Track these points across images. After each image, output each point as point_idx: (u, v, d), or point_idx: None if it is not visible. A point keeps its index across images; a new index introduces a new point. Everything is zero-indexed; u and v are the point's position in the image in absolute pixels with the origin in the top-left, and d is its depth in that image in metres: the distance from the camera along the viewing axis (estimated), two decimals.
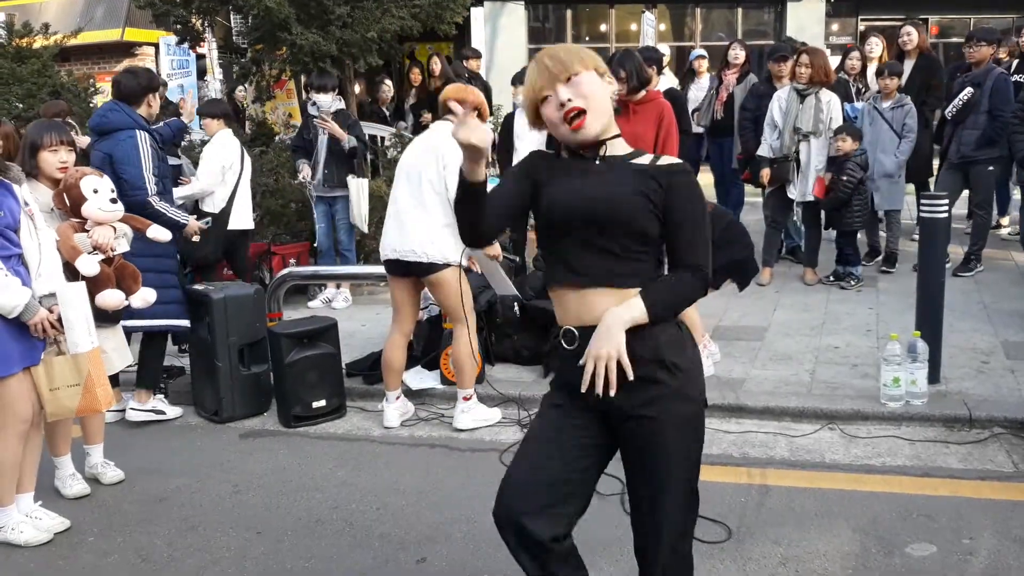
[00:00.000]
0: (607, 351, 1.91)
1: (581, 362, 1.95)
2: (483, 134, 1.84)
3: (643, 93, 5.01)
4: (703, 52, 8.73)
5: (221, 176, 5.66)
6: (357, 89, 9.66)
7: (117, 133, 4.38)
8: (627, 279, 1.98)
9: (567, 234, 2.01)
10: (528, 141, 6.27)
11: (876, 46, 7.13)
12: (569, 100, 1.94)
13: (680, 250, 2.00)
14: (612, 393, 1.92)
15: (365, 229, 6.67)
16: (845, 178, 6.02)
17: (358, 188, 6.55)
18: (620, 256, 1.98)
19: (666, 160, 2.04)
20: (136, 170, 4.31)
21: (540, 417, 2.15)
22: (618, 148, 2.06)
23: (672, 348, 2.00)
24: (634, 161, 2.04)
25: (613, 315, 1.94)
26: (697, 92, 8.17)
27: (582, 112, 1.95)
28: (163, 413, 4.56)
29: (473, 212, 1.99)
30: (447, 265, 4.04)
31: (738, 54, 7.54)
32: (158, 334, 4.52)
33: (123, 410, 4.57)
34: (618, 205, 1.96)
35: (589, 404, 2.01)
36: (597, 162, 2.04)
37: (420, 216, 4.05)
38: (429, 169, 4.06)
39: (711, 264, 2.00)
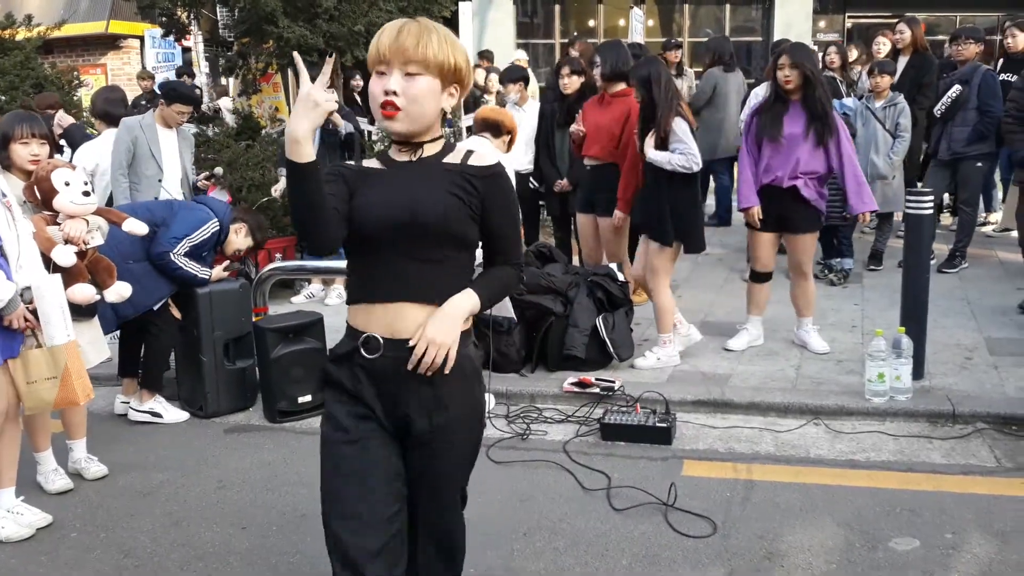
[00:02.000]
0: (443, 340, 1.88)
1: (413, 342, 1.88)
2: (322, 93, 1.76)
3: (621, 86, 5.02)
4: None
5: None
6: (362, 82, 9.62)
7: (202, 206, 4.45)
8: (449, 291, 1.93)
9: (380, 246, 1.91)
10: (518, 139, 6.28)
11: (884, 45, 7.13)
12: (393, 94, 1.87)
13: (501, 251, 2.03)
14: (427, 375, 1.89)
15: None
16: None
17: None
18: (440, 263, 1.92)
19: (478, 160, 1.98)
20: (182, 232, 4.27)
21: (331, 456, 2.00)
22: (435, 147, 1.99)
23: (475, 374, 2.02)
24: (446, 160, 1.97)
25: (455, 305, 1.91)
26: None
27: (397, 108, 1.88)
28: (159, 416, 4.47)
29: (314, 210, 1.82)
30: None
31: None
32: (162, 335, 4.41)
33: (127, 402, 4.54)
34: (431, 210, 1.89)
35: (380, 421, 1.96)
36: (412, 160, 1.96)
37: None
38: None
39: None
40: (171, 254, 4.23)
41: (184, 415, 4.51)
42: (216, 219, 4.41)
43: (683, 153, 4.43)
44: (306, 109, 1.77)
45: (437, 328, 1.89)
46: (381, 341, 1.92)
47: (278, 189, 6.52)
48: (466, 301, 1.93)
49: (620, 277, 4.90)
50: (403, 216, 1.90)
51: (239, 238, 4.62)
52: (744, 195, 4.73)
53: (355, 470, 1.97)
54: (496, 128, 4.48)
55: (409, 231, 1.90)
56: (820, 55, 7.92)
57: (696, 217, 4.71)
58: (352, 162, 2.10)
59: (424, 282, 1.92)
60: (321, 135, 6.35)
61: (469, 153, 1.99)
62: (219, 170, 6.70)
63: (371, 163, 2.02)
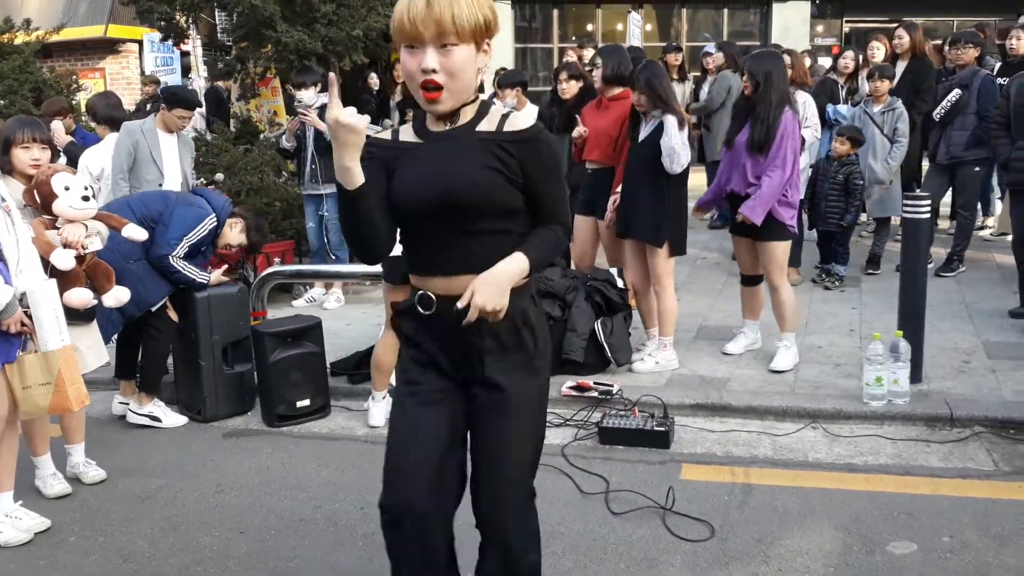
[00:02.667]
0: (494, 306, 1.84)
1: (461, 304, 1.84)
2: (353, 115, 1.72)
3: (619, 89, 5.03)
4: (712, 48, 8.79)
5: None
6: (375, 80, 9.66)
7: (200, 199, 4.45)
8: (500, 258, 1.89)
9: (423, 223, 1.92)
10: None
11: (879, 50, 7.16)
12: (433, 71, 1.79)
13: (547, 213, 1.98)
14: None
15: None
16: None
17: None
18: (488, 234, 1.90)
19: (512, 124, 1.92)
20: (180, 232, 4.28)
21: (397, 408, 2.11)
22: (470, 111, 1.94)
23: (534, 315, 2.01)
24: (480, 128, 1.92)
25: (501, 270, 1.86)
26: (707, 89, 8.26)
27: (440, 88, 1.82)
28: (158, 420, 4.46)
29: (364, 227, 1.88)
30: None
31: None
32: (160, 337, 4.41)
33: (126, 403, 4.54)
34: (467, 188, 1.87)
35: (446, 373, 2.01)
36: (447, 130, 1.93)
37: None
38: None
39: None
40: (170, 257, 4.23)
41: (183, 420, 4.51)
42: (213, 214, 4.41)
43: (686, 151, 4.45)
44: (344, 136, 1.75)
45: (485, 295, 1.84)
46: (434, 297, 1.94)
47: None
48: (514, 265, 1.88)
49: (619, 283, 4.91)
50: (440, 196, 1.88)
51: (233, 232, 4.61)
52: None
53: (408, 427, 2.04)
54: None
55: (449, 210, 1.89)
56: (829, 60, 7.99)
57: (684, 220, 4.71)
58: (386, 133, 2.03)
59: (473, 254, 1.90)
60: (316, 140, 6.35)
61: (504, 118, 1.93)
62: (220, 176, 6.69)
63: (407, 133, 1.99)
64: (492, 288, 1.85)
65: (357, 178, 1.82)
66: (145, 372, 4.47)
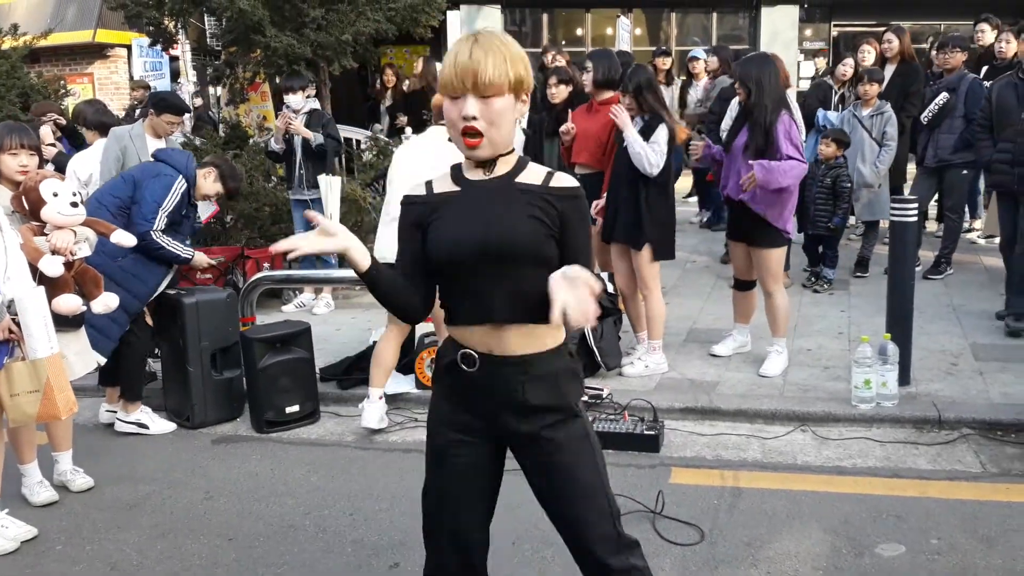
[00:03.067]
0: (587, 317, 1.76)
1: (555, 321, 1.75)
2: (590, 306, 1.73)
3: (609, 94, 5.05)
4: (698, 53, 8.81)
5: None
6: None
7: (162, 166, 4.38)
8: (536, 305, 1.88)
9: (461, 272, 1.94)
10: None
11: (869, 53, 7.20)
12: (474, 118, 1.86)
13: (574, 263, 1.94)
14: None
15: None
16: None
17: (328, 185, 6.53)
18: (524, 280, 1.91)
19: (558, 181, 1.96)
20: (154, 205, 4.26)
21: (440, 465, 2.11)
22: (508, 163, 1.98)
23: (569, 382, 2.02)
24: (521, 180, 1.95)
25: (578, 270, 1.80)
26: (696, 94, 8.26)
27: (480, 134, 1.88)
28: (146, 427, 4.45)
29: (392, 299, 2.02)
30: None
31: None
32: (136, 343, 4.38)
33: (113, 411, 4.53)
34: (509, 235, 1.90)
35: (483, 430, 2.02)
36: (486, 178, 1.96)
37: None
38: (425, 172, 3.98)
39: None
40: (152, 233, 4.23)
41: (171, 426, 4.50)
42: (179, 176, 4.37)
43: (655, 152, 4.45)
44: (329, 244, 1.91)
45: (584, 311, 1.75)
46: (477, 357, 1.97)
47: None
48: (583, 270, 1.81)
49: (609, 288, 4.91)
50: (483, 242, 1.91)
51: (207, 183, 4.58)
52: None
53: (453, 478, 2.09)
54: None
55: (491, 256, 1.91)
56: (811, 64, 8.02)
57: (669, 224, 4.72)
58: (421, 188, 2.03)
59: (510, 303, 1.93)
60: (303, 145, 6.33)
61: (550, 175, 1.97)
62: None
63: (443, 181, 2.00)
64: (585, 304, 1.76)
65: (362, 263, 1.93)
66: (125, 379, 4.43)
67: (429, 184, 2.03)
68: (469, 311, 1.97)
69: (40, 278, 3.38)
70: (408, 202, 2.02)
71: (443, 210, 1.96)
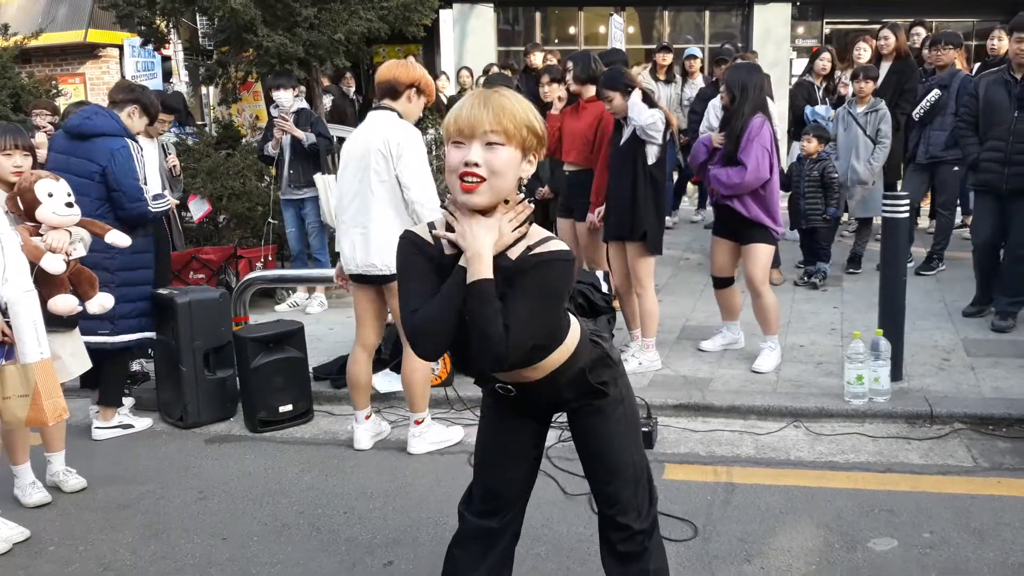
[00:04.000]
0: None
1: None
2: (490, 232, 1.86)
3: (592, 91, 5.07)
4: (695, 51, 8.79)
5: None
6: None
7: (105, 140, 4.23)
8: (541, 350, 2.02)
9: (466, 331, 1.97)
10: None
11: (865, 51, 7.22)
12: (476, 165, 1.83)
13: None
14: None
15: (336, 225, 6.66)
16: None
17: (325, 185, 6.52)
18: None
19: (540, 247, 1.90)
20: (134, 182, 4.25)
21: (487, 428, 2.30)
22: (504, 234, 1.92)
23: (597, 369, 2.15)
24: (502, 256, 1.91)
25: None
26: (691, 92, 8.25)
27: (481, 180, 1.84)
28: (131, 427, 4.46)
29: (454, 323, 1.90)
30: None
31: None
32: (121, 351, 4.38)
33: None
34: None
35: (531, 417, 2.23)
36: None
37: (373, 219, 3.78)
38: (375, 159, 3.75)
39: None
40: (148, 208, 4.31)
41: (148, 421, 4.54)
42: (122, 136, 4.32)
43: (647, 121, 4.46)
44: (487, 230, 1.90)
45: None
46: (511, 387, 2.12)
47: None
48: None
49: (603, 288, 4.91)
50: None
51: (135, 121, 4.57)
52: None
53: (495, 441, 2.27)
54: (392, 91, 3.83)
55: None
56: (806, 61, 8.03)
57: (659, 221, 4.74)
58: (426, 236, 1.99)
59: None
60: (293, 144, 6.31)
61: (538, 243, 1.91)
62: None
63: (447, 243, 1.95)
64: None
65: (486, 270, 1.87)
66: (108, 387, 4.38)
67: (437, 240, 1.97)
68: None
69: (36, 278, 3.37)
70: (415, 241, 1.97)
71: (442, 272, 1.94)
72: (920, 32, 7.17)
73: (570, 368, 2.09)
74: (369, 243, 3.82)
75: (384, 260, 3.78)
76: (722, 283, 4.94)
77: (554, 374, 2.08)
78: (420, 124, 9.03)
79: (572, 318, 2.12)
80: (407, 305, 1.93)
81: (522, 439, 2.26)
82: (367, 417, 4.14)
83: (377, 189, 3.77)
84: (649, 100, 4.55)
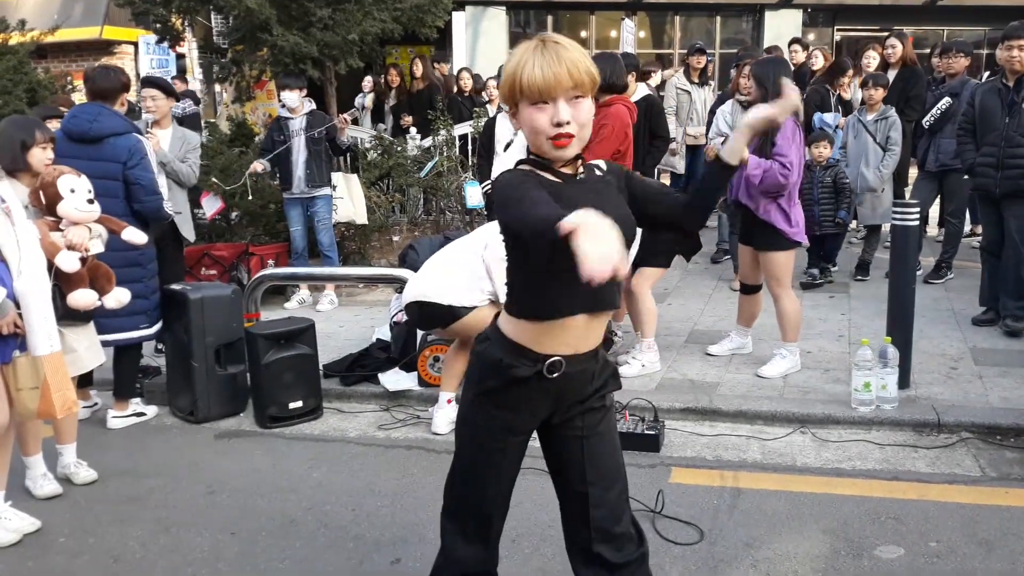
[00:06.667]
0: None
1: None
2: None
3: (606, 96, 5.08)
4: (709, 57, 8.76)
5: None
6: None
7: (118, 139, 4.25)
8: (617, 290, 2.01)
9: (563, 260, 1.68)
10: (512, 146, 6.31)
11: (873, 59, 7.19)
12: (568, 123, 1.88)
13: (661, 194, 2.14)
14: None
15: (365, 220, 6.76)
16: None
17: (348, 183, 6.56)
18: None
19: (605, 167, 2.08)
20: (151, 175, 4.32)
21: (500, 452, 2.12)
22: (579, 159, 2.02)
23: (606, 355, 2.13)
24: (598, 173, 2.05)
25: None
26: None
27: (571, 137, 1.90)
28: (144, 415, 4.55)
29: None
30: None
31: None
32: (132, 345, 4.43)
33: (91, 406, 4.58)
34: (629, 222, 1.98)
35: (536, 424, 2.12)
36: (581, 174, 1.99)
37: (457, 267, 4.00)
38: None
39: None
40: (164, 204, 4.46)
41: (155, 409, 4.63)
42: (132, 133, 4.36)
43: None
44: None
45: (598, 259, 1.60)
46: (563, 363, 1.98)
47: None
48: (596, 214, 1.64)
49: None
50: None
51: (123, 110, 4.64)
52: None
53: (505, 462, 2.15)
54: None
55: None
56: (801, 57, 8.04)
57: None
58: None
59: (609, 288, 1.85)
60: (308, 145, 6.33)
61: (598, 165, 2.08)
62: (260, 167, 6.47)
63: (544, 173, 1.96)
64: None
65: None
66: (122, 380, 4.47)
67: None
68: (571, 300, 1.92)
69: (56, 274, 3.41)
70: (523, 174, 1.94)
71: (556, 194, 1.85)
72: (895, 45, 7.11)
73: (599, 339, 2.05)
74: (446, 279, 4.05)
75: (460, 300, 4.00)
76: (747, 289, 4.95)
77: (595, 349, 2.04)
78: (465, 117, 9.02)
79: None
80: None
81: (514, 467, 2.17)
82: (449, 401, 4.20)
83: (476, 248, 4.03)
84: None
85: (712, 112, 7.03)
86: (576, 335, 1.98)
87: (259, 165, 6.39)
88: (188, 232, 5.34)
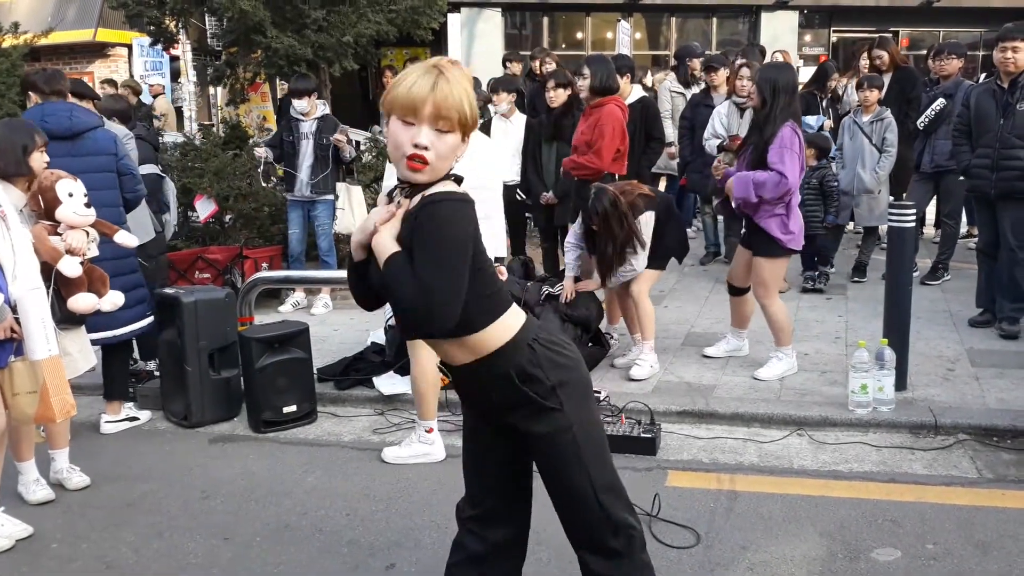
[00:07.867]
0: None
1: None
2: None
3: (598, 98, 5.07)
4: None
5: None
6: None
7: (97, 132, 4.30)
8: (474, 319, 1.98)
9: None
10: (505, 147, 6.30)
11: (867, 68, 7.19)
12: (425, 149, 1.88)
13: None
14: None
15: None
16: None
17: (350, 194, 6.53)
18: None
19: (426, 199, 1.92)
20: (135, 168, 4.39)
21: (465, 434, 2.29)
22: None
23: (527, 379, 2.02)
24: (422, 210, 1.91)
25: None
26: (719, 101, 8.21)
27: (425, 163, 1.89)
28: (137, 419, 4.52)
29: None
30: None
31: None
32: (121, 344, 4.41)
33: (112, 420, 4.53)
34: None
35: (493, 423, 2.17)
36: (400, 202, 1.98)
37: None
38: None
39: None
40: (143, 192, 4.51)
41: (148, 413, 4.60)
42: (104, 127, 4.41)
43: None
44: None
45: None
46: (446, 370, 2.15)
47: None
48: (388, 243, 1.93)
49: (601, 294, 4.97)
50: None
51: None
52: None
53: (471, 458, 2.27)
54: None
55: None
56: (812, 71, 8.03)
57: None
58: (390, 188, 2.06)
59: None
60: (315, 151, 6.30)
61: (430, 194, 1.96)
62: (263, 151, 6.50)
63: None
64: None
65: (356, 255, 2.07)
66: (114, 382, 4.44)
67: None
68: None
69: (56, 278, 3.40)
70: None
71: None
72: (881, 55, 7.05)
73: (495, 364, 2.00)
74: None
75: None
76: (734, 291, 4.93)
77: (477, 365, 2.01)
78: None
79: (516, 311, 2.04)
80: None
81: (496, 455, 2.19)
82: (428, 431, 4.02)
83: None
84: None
85: (684, 116, 7.03)
86: (435, 349, 2.11)
87: (262, 150, 6.39)
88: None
